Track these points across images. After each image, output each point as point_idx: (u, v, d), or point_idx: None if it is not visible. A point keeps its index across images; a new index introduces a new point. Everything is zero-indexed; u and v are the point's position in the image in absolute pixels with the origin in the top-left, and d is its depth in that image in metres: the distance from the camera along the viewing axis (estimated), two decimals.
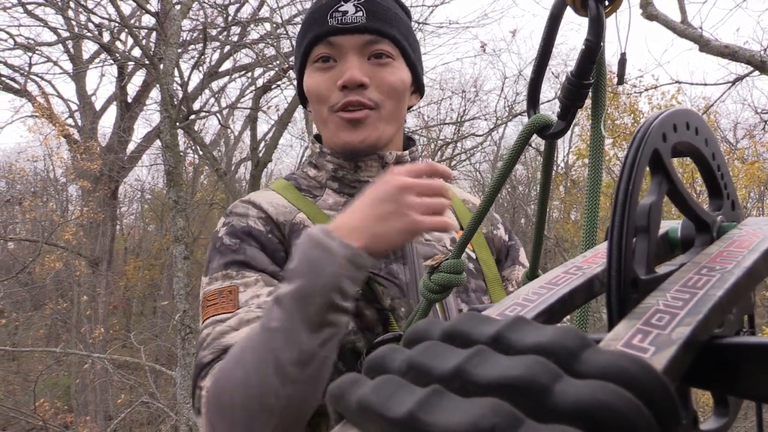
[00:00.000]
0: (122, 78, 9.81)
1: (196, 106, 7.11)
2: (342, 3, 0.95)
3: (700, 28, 4.00)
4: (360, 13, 0.94)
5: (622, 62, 2.75)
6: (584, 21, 0.52)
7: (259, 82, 8.32)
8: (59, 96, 10.76)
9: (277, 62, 6.57)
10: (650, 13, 4.03)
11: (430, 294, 0.77)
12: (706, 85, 5.36)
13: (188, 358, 4.56)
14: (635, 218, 0.29)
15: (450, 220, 0.77)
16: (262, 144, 8.25)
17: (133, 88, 10.53)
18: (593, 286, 0.32)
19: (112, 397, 9.32)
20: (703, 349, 0.24)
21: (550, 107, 6.55)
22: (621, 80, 2.96)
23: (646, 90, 7.73)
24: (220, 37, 7.38)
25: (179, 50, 5.79)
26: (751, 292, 0.34)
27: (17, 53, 10.19)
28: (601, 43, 0.52)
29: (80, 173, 10.33)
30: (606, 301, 0.28)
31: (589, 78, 0.55)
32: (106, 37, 8.04)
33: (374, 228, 0.72)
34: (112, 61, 8.99)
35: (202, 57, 6.08)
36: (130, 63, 8.47)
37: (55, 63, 10.16)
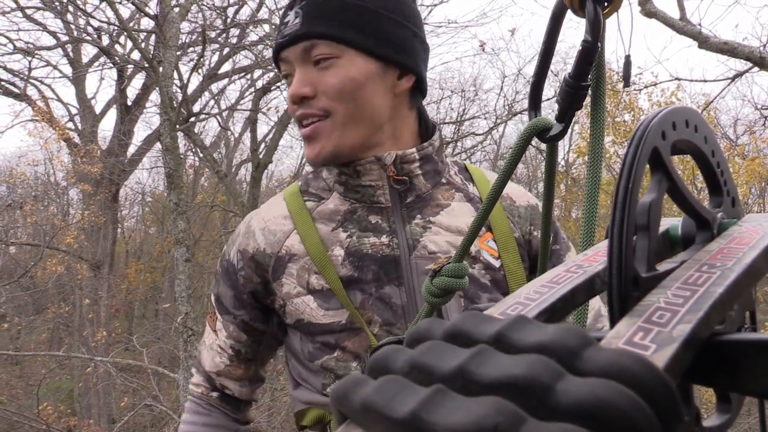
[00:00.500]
0: (122, 81, 9.81)
1: (196, 108, 7.11)
2: (288, 12, 0.91)
3: (699, 24, 3.99)
4: (297, 20, 0.88)
5: (627, 64, 2.68)
6: (583, 20, 0.52)
7: (259, 84, 8.31)
8: (59, 100, 10.77)
9: None
10: (649, 11, 4.03)
11: (432, 298, 0.76)
12: (705, 81, 5.35)
13: (191, 361, 4.56)
14: (635, 216, 0.29)
15: None
16: (263, 145, 8.25)
17: (132, 91, 10.54)
18: (594, 284, 0.32)
19: (115, 401, 9.33)
20: (704, 346, 0.24)
21: (549, 105, 6.54)
22: (627, 83, 2.90)
23: (646, 87, 7.73)
24: (219, 39, 7.38)
25: (178, 53, 5.80)
26: (752, 289, 0.34)
27: (17, 57, 10.19)
28: (599, 44, 0.51)
29: (81, 177, 10.33)
30: (607, 299, 0.28)
31: (586, 79, 0.54)
32: (105, 40, 8.06)
33: None
34: (111, 65, 9.00)
35: (202, 59, 6.08)
36: (129, 66, 8.47)
37: (55, 67, 10.16)
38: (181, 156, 6.37)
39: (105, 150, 10.65)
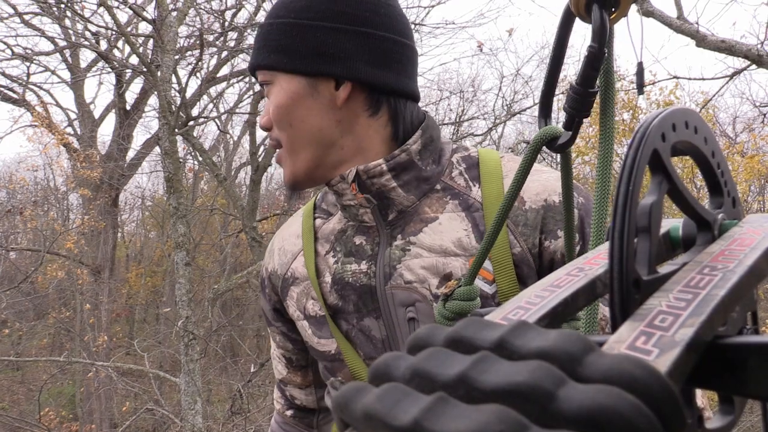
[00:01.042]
0: (120, 86, 9.83)
1: (195, 112, 7.12)
2: None
3: (697, 23, 4.00)
4: (258, 51, 0.85)
5: (640, 72, 2.56)
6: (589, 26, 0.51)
7: (257, 87, 8.31)
8: (58, 105, 10.78)
9: None
10: (646, 10, 4.04)
11: (445, 321, 0.73)
12: (704, 79, 5.36)
13: (192, 365, 4.56)
14: (636, 218, 0.29)
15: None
16: (262, 148, 8.25)
17: (131, 96, 10.55)
18: (596, 287, 0.32)
19: (116, 405, 9.32)
20: (706, 349, 0.24)
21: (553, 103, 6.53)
22: (641, 90, 2.75)
23: (645, 86, 7.72)
24: (217, 42, 7.38)
25: (176, 57, 5.80)
26: (753, 289, 0.34)
27: (15, 63, 10.19)
28: (605, 50, 0.50)
29: (80, 182, 10.34)
30: (609, 302, 0.28)
31: (594, 86, 0.53)
32: (103, 45, 8.05)
33: None
34: (109, 69, 9.01)
35: (200, 63, 6.09)
36: (127, 70, 8.49)
37: (53, 72, 10.17)
38: (181, 160, 6.36)
39: (104, 154, 10.66)
